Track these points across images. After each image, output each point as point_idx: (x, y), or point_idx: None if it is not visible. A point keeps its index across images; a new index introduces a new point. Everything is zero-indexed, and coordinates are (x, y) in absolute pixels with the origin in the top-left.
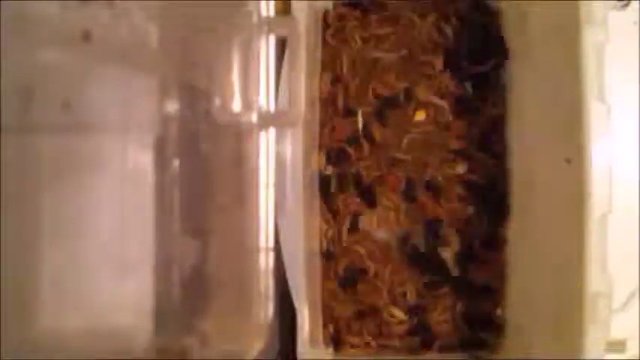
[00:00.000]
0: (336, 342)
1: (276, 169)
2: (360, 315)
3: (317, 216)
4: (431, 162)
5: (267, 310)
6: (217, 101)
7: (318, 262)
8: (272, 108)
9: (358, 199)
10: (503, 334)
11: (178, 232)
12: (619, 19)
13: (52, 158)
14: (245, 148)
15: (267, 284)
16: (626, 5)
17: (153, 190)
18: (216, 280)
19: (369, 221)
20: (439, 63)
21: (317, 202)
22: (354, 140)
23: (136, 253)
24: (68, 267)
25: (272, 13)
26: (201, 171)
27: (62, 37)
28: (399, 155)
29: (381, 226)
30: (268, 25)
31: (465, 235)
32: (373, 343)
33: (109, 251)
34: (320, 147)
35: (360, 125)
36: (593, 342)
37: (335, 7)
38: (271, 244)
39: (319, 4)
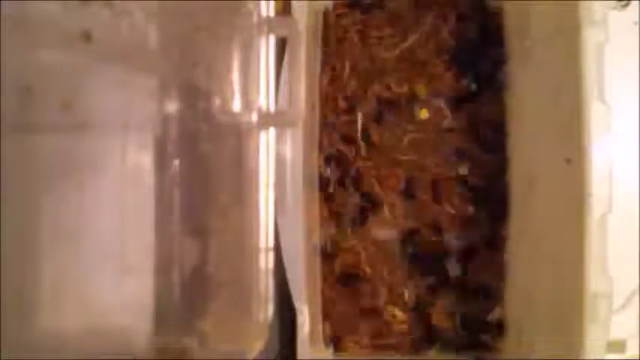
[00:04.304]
0: (336, 342)
1: (276, 169)
2: (360, 315)
3: (317, 216)
4: (431, 162)
5: (267, 310)
6: (217, 101)
7: (318, 262)
8: (272, 108)
9: (358, 199)
10: (504, 334)
11: (178, 232)
12: (619, 19)
13: (52, 158)
14: (245, 148)
15: (267, 284)
16: (626, 5)
17: (153, 190)
18: (216, 280)
19: (368, 221)
20: (439, 63)
21: (317, 202)
22: (353, 140)
23: (136, 253)
24: (68, 267)
25: (272, 13)
26: (201, 171)
27: (62, 37)
28: (399, 155)
29: (380, 226)
30: (268, 25)
31: (465, 235)
32: (373, 343)
33: (109, 251)
34: (320, 147)
35: (360, 125)
36: (593, 342)
37: (335, 7)
38: (271, 244)
39: (319, 4)
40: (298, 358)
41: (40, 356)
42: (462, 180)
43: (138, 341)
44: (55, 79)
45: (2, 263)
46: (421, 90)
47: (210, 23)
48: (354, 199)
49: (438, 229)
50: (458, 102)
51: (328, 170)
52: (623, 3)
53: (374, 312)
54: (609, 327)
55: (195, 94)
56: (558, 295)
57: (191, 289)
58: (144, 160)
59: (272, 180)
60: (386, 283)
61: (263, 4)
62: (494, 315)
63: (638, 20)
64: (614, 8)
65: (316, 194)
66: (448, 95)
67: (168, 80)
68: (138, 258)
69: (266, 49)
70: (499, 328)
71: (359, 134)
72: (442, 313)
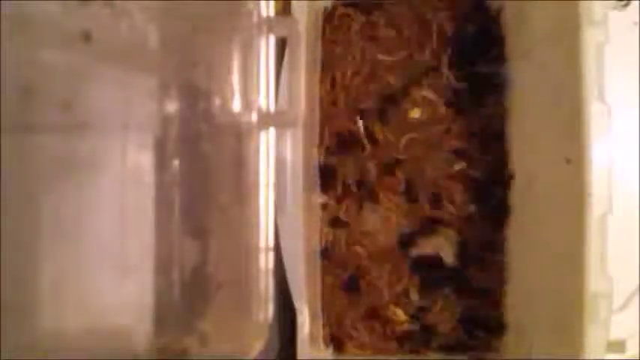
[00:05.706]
0: (336, 342)
1: (276, 169)
2: (360, 315)
3: (317, 216)
4: (431, 162)
5: (267, 310)
6: (217, 101)
7: (318, 262)
8: (272, 108)
9: (359, 200)
10: (504, 335)
11: (178, 232)
12: (619, 19)
13: (52, 158)
14: (245, 148)
15: (267, 284)
16: (626, 5)
17: (153, 190)
18: (216, 280)
19: (369, 221)
20: (439, 63)
21: (317, 201)
22: (354, 140)
23: (136, 253)
24: (68, 267)
25: (272, 13)
26: (201, 171)
27: (62, 37)
28: (400, 155)
29: (381, 226)
30: (268, 25)
31: (465, 236)
32: (373, 343)
33: (109, 251)
34: (320, 147)
35: (361, 125)
36: (593, 342)
37: (335, 7)
38: (271, 244)
39: (319, 4)
40: (298, 358)
41: (40, 356)
42: (462, 180)
43: (138, 341)
44: (55, 79)
45: (2, 263)
46: (421, 90)
47: (210, 23)
48: (355, 199)
49: (437, 229)
50: (458, 101)
51: (328, 170)
52: (623, 3)
53: (374, 312)
54: (609, 327)
55: (195, 94)
56: (558, 295)
57: (191, 289)
58: (144, 160)
59: (272, 180)
60: (386, 283)
61: (263, 4)
62: (494, 315)
63: (638, 20)
64: (614, 8)
65: (316, 194)
66: (448, 95)
67: (168, 80)
68: (138, 258)
69: (266, 49)
70: (499, 328)
71: (359, 134)
72: (442, 314)
